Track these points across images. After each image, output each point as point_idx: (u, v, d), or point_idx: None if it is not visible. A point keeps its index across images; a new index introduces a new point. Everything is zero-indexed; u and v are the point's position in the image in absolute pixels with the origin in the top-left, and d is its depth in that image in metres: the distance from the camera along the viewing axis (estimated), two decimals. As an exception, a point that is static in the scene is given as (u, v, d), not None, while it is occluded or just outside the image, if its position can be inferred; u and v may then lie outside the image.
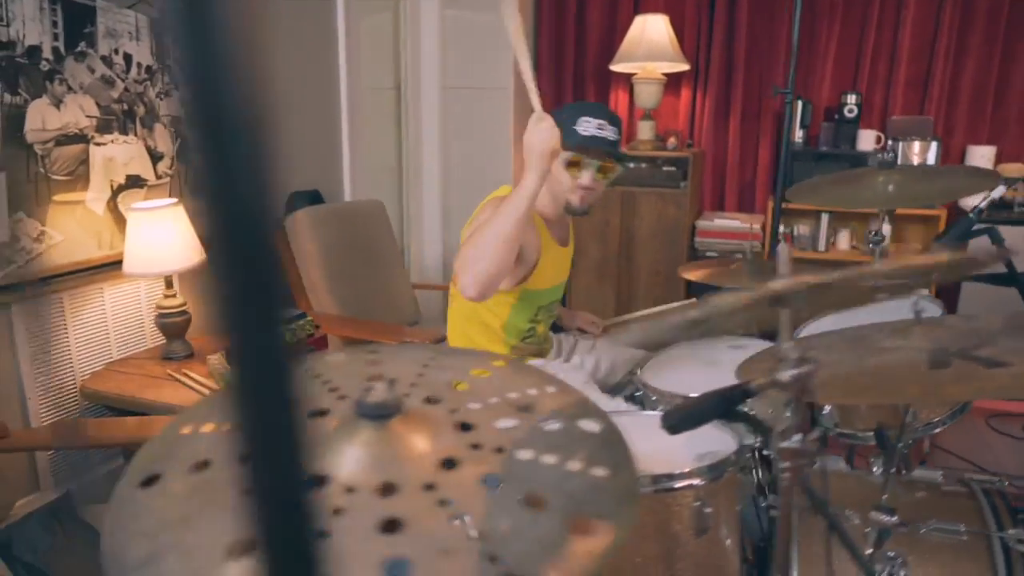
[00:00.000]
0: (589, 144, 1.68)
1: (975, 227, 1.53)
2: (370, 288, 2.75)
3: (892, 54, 3.46)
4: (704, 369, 1.79)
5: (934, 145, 3.23)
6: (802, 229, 3.56)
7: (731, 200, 3.81)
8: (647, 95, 3.50)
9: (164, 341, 2.09)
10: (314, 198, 2.78)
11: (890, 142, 3.31)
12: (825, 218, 3.44)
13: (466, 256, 1.51)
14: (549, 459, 0.64)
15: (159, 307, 2.06)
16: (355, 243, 2.75)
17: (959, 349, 1.05)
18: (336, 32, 3.01)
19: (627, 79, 3.76)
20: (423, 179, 3.84)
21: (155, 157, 2.18)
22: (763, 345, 1.85)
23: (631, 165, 3.38)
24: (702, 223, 3.56)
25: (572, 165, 1.71)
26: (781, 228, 3.58)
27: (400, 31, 3.69)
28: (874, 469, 1.49)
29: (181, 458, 0.73)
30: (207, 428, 0.79)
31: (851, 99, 3.33)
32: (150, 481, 0.65)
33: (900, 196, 1.71)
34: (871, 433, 1.54)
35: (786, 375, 0.91)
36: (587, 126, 1.67)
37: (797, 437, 0.80)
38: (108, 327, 2.10)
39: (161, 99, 2.17)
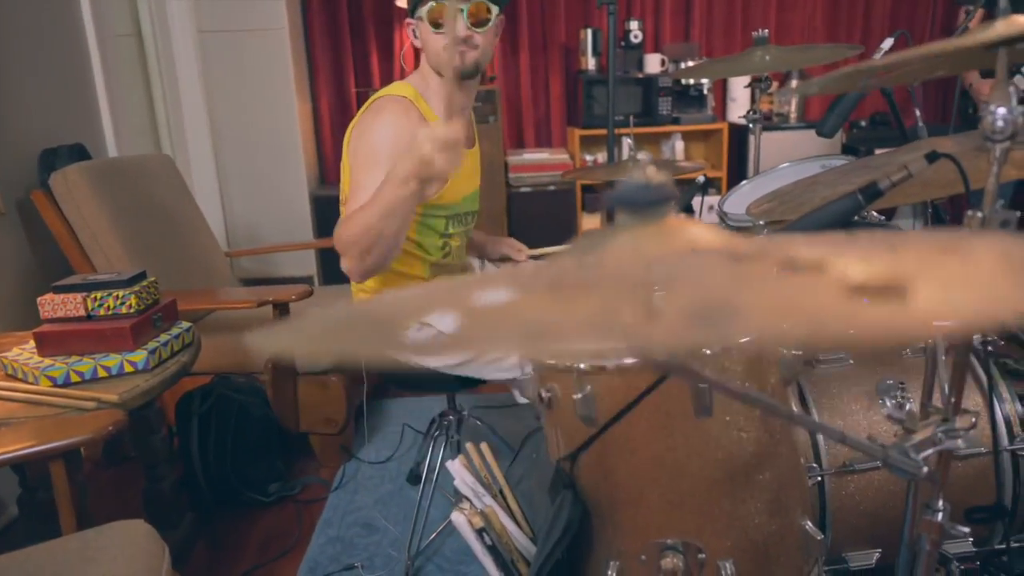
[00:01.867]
0: None
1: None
2: (179, 254, 2.22)
3: (657, -16, 3.69)
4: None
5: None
6: (603, 157, 3.66)
7: (529, 136, 3.80)
8: (440, 28, 3.31)
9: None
10: (80, 153, 2.15)
11: (671, 66, 3.53)
12: (626, 142, 3.57)
13: (350, 244, 1.32)
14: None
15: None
16: (150, 203, 2.20)
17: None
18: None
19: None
20: (187, 135, 3.24)
21: None
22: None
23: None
24: (513, 159, 3.49)
25: (436, 19, 1.45)
26: (587, 157, 3.66)
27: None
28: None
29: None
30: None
31: (634, 26, 3.48)
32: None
33: (775, 64, 1.79)
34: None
35: (921, 164, 0.83)
36: None
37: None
38: None
39: None
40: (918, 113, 1.23)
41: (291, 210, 3.36)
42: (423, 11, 1.45)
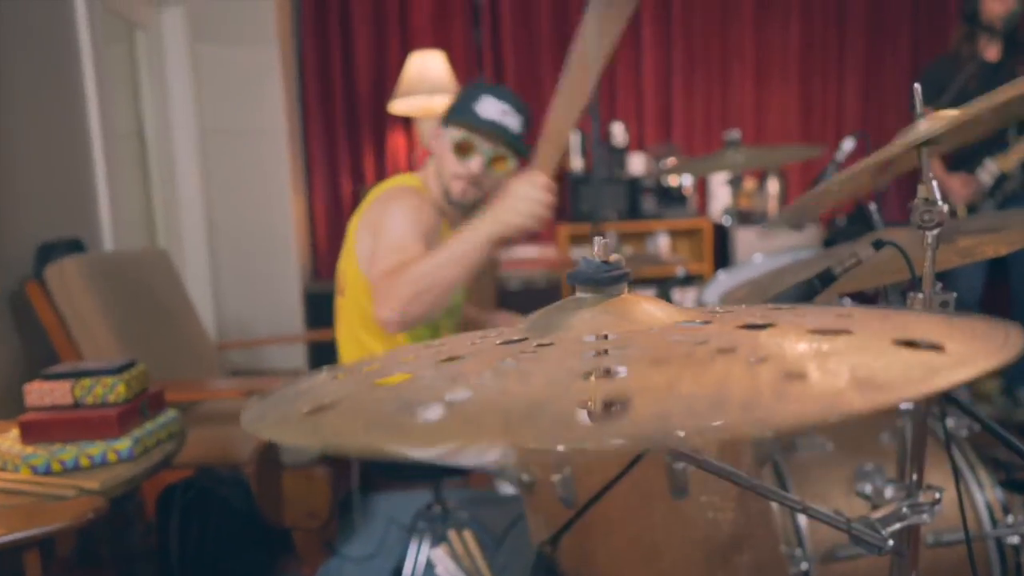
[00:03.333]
0: (485, 127, 1.49)
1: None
2: (169, 347, 2.25)
3: (638, 89, 3.90)
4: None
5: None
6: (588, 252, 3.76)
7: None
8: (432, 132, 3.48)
9: None
10: (76, 247, 2.21)
11: (653, 165, 3.69)
12: (612, 237, 3.68)
13: (397, 288, 1.31)
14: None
15: None
16: (142, 298, 2.24)
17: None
18: (79, 64, 2.49)
19: (404, 122, 3.71)
20: (183, 229, 3.33)
21: None
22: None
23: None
24: (502, 255, 3.59)
25: (461, 148, 1.52)
26: (575, 253, 3.76)
27: (139, 69, 3.21)
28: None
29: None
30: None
31: (618, 127, 3.66)
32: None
33: (748, 163, 1.91)
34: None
35: (869, 252, 0.88)
36: (489, 107, 1.49)
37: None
38: None
39: None
40: (872, 207, 1.31)
41: (283, 304, 3.41)
42: (452, 134, 1.52)
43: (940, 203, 0.67)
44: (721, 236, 3.69)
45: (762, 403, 0.34)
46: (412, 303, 1.30)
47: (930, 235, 0.70)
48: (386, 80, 3.68)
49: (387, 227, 1.48)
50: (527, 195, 1.28)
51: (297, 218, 3.50)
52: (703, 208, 3.88)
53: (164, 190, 3.26)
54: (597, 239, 0.58)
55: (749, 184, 3.73)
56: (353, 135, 3.74)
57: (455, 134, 1.52)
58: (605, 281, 0.52)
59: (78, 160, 2.48)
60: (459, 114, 1.52)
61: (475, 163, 1.52)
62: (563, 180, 3.78)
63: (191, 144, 3.33)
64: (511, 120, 1.52)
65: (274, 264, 3.44)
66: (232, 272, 3.41)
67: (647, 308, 0.52)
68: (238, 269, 3.41)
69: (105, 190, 2.57)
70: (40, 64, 2.29)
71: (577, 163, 3.65)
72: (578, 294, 0.59)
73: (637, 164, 3.67)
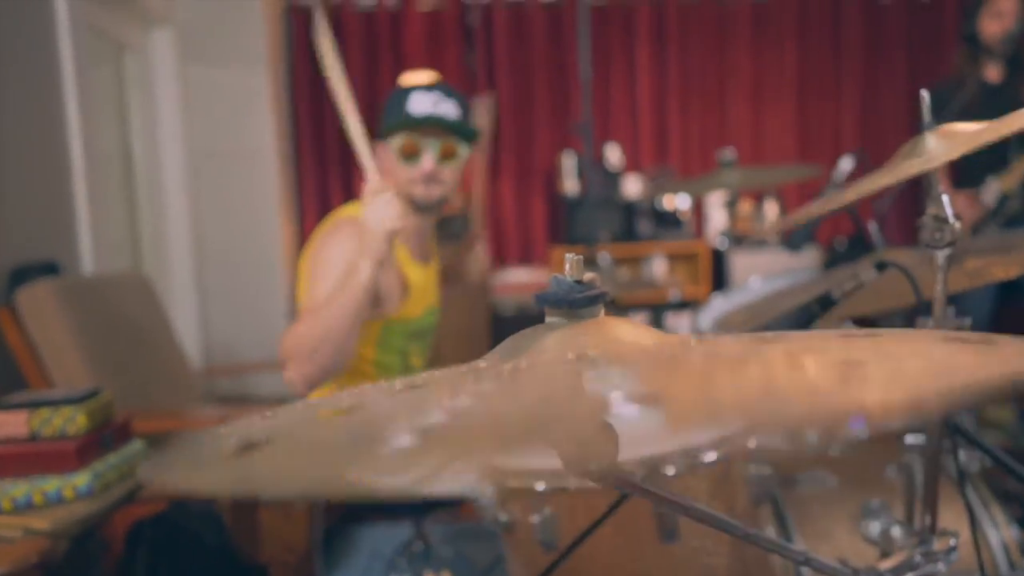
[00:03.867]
0: (422, 124, 1.42)
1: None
2: (146, 375, 2.17)
3: (633, 111, 3.87)
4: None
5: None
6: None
7: (513, 254, 3.86)
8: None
9: None
10: (50, 270, 2.15)
11: (649, 186, 3.64)
12: (607, 259, 3.61)
13: (296, 348, 1.31)
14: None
15: None
16: (118, 323, 2.17)
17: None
18: (61, 83, 2.44)
19: (397, 142, 3.67)
20: (171, 253, 3.26)
21: None
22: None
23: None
24: (496, 279, 3.53)
25: (406, 152, 1.44)
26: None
27: (127, 90, 3.17)
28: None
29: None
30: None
31: (613, 150, 3.62)
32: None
33: (744, 183, 1.86)
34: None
35: (871, 274, 0.81)
36: (420, 102, 1.42)
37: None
38: None
39: None
40: (871, 228, 1.24)
41: (272, 329, 3.33)
42: (393, 142, 1.46)
43: (952, 220, 0.60)
44: (719, 259, 3.63)
45: (828, 389, 0.30)
46: (308, 363, 1.30)
47: (941, 255, 0.64)
48: (379, 102, 3.64)
49: (316, 277, 1.43)
50: (374, 210, 1.30)
51: (287, 242, 3.44)
52: (700, 231, 3.82)
53: (151, 213, 3.21)
54: (568, 256, 0.50)
55: (746, 206, 3.68)
56: (345, 158, 3.69)
57: (396, 141, 1.45)
58: (578, 303, 0.45)
59: (57, 181, 2.42)
60: (393, 119, 1.45)
61: (425, 161, 1.45)
62: (559, 203, 3.73)
63: (179, 166, 3.28)
64: (446, 107, 1.45)
65: (263, 289, 3.37)
66: (220, 297, 3.34)
67: (629, 333, 0.45)
68: (226, 294, 3.34)
69: (86, 212, 2.51)
70: (19, 82, 2.24)
71: (572, 186, 3.60)
72: (548, 319, 0.51)
73: (632, 186, 3.62)
